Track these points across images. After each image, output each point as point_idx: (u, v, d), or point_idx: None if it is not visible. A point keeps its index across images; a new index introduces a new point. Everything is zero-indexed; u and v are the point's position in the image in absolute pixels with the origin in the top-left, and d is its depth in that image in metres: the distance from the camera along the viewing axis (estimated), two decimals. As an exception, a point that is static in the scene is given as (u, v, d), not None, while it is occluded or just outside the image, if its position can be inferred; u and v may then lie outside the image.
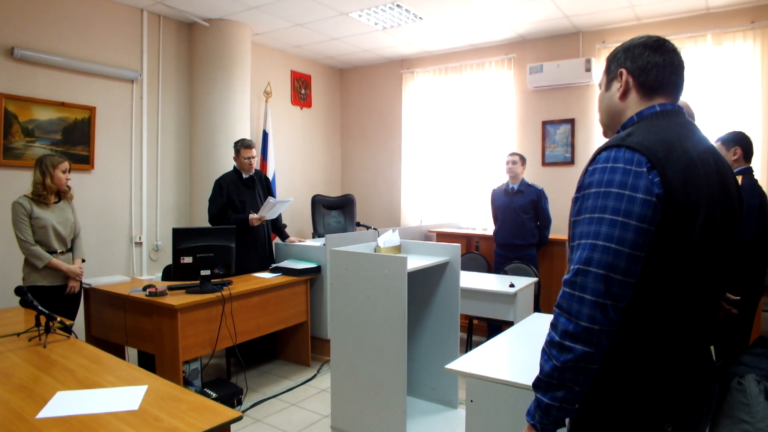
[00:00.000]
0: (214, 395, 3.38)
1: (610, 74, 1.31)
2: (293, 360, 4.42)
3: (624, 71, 1.26)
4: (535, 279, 4.15)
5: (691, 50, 4.81)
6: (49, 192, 3.38)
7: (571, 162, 5.55)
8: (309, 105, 6.81)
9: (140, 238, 4.97)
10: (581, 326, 1.06)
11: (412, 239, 3.61)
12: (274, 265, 4.33)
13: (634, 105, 1.26)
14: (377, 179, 7.03)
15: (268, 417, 3.43)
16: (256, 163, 4.41)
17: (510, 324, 3.39)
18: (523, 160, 4.76)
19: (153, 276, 4.88)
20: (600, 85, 1.36)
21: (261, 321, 3.82)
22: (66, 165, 3.45)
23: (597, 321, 1.05)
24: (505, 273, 4.43)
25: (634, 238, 1.06)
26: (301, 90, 6.65)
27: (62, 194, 3.51)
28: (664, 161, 1.08)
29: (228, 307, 3.49)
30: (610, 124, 1.33)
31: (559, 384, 1.09)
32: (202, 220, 4.87)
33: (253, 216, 4.17)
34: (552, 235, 4.75)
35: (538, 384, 1.14)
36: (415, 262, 2.80)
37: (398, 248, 3.11)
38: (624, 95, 1.27)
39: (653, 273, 1.09)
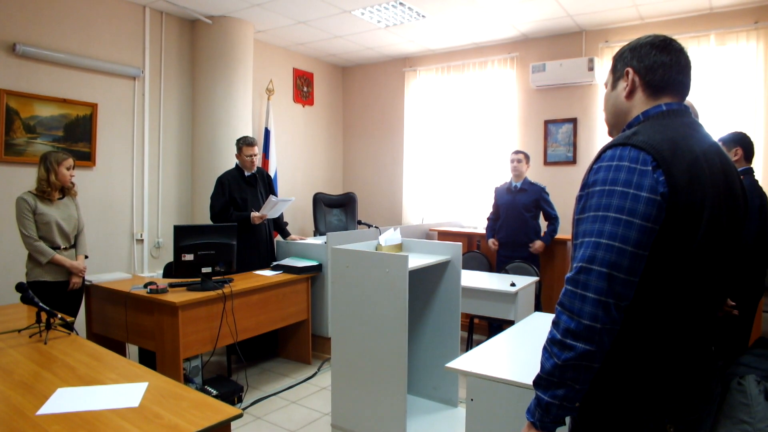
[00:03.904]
0: (214, 392, 3.39)
1: (617, 73, 1.31)
2: (294, 358, 4.42)
3: (630, 70, 1.26)
4: (536, 278, 4.14)
5: (695, 50, 4.79)
6: (53, 188, 3.39)
7: (573, 161, 5.55)
8: (311, 103, 6.81)
9: (141, 235, 4.97)
10: (583, 324, 1.05)
11: (413, 238, 3.61)
12: (275, 263, 4.33)
13: (640, 104, 1.25)
14: (379, 178, 7.03)
15: (269, 414, 3.43)
16: (258, 161, 4.41)
17: (511, 323, 3.38)
18: (527, 158, 4.76)
19: (154, 273, 4.88)
20: (606, 84, 1.36)
21: (262, 319, 3.82)
22: (70, 162, 3.46)
23: (599, 319, 1.05)
24: (506, 272, 4.43)
25: (638, 236, 1.05)
26: (303, 88, 6.65)
27: (66, 191, 3.51)
28: (669, 160, 1.08)
29: (229, 305, 3.49)
30: (615, 123, 1.33)
31: (559, 382, 1.09)
32: (204, 218, 4.87)
33: (254, 214, 4.17)
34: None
35: (538, 382, 1.13)
36: (417, 261, 2.80)
37: (399, 247, 3.11)
38: (630, 94, 1.26)
39: (657, 272, 1.09)
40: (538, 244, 4.61)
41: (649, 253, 1.07)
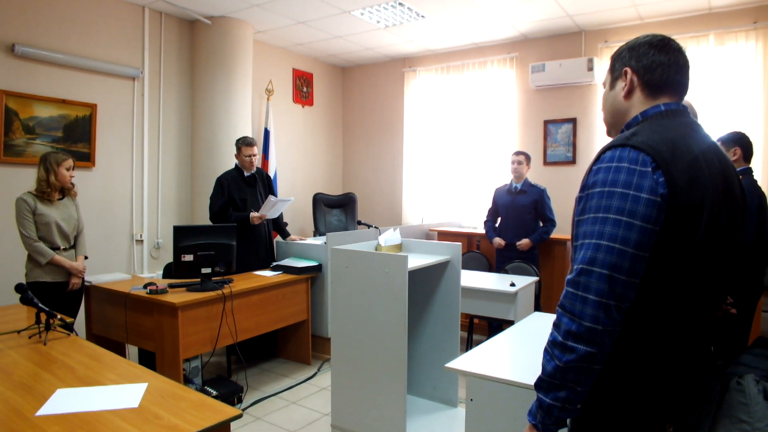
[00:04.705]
0: (214, 393, 3.39)
1: (615, 73, 1.30)
2: (294, 358, 4.42)
3: (629, 70, 1.26)
4: (536, 278, 4.14)
5: (694, 50, 4.80)
6: (53, 189, 3.39)
7: (572, 161, 5.55)
8: (311, 103, 6.81)
9: (141, 235, 4.97)
10: (584, 326, 1.05)
11: (413, 238, 3.61)
12: (275, 263, 4.33)
13: (638, 104, 1.25)
14: (379, 178, 7.03)
15: (269, 415, 3.43)
16: (257, 161, 4.41)
17: (510, 323, 3.38)
18: (528, 159, 4.75)
19: (154, 274, 4.88)
20: (604, 84, 1.35)
21: (262, 319, 3.82)
22: (70, 162, 3.46)
23: (600, 321, 1.05)
24: (506, 272, 4.43)
25: (639, 238, 1.05)
26: (302, 88, 6.65)
27: (66, 191, 3.51)
28: (668, 161, 1.07)
29: (229, 305, 3.49)
30: (614, 123, 1.33)
31: (561, 384, 1.09)
32: (204, 218, 4.87)
33: (254, 214, 4.17)
34: (552, 235, 4.73)
35: (540, 384, 1.13)
36: (416, 261, 2.80)
37: (399, 247, 3.11)
38: (628, 94, 1.26)
39: (657, 273, 1.09)
40: (524, 242, 4.58)
41: (649, 254, 1.07)
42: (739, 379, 1.71)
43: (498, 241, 4.74)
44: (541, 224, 4.68)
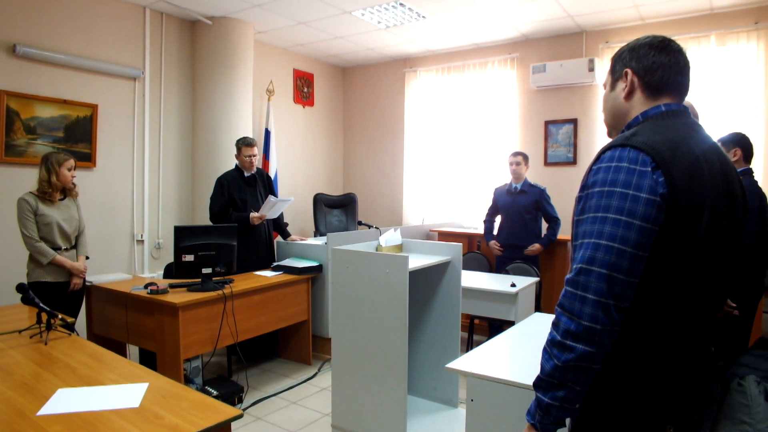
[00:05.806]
0: (215, 393, 3.39)
1: (615, 74, 1.31)
2: (294, 358, 4.43)
3: (629, 71, 1.26)
4: (537, 279, 4.14)
5: (695, 51, 4.80)
6: (54, 189, 3.39)
7: (573, 162, 5.55)
8: (311, 104, 6.81)
9: (142, 236, 4.98)
10: (583, 326, 1.05)
11: (413, 238, 3.61)
12: (275, 264, 4.33)
13: (639, 105, 1.25)
14: (379, 178, 7.03)
15: (269, 415, 3.43)
16: (258, 162, 4.41)
17: (511, 324, 3.38)
18: (526, 159, 4.74)
19: (154, 274, 4.89)
20: (605, 85, 1.35)
21: (262, 319, 3.82)
22: (71, 163, 3.47)
23: (599, 321, 1.05)
24: (507, 272, 4.43)
25: (638, 237, 1.05)
26: (303, 88, 6.66)
27: (67, 191, 3.52)
28: (669, 161, 1.07)
29: (229, 306, 3.49)
30: (614, 124, 1.33)
31: (559, 383, 1.09)
32: (204, 218, 4.87)
33: (254, 215, 4.17)
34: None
35: (538, 383, 1.13)
36: (417, 262, 2.80)
37: (400, 247, 3.11)
38: (629, 95, 1.26)
39: (657, 273, 1.09)
40: (535, 247, 4.58)
41: (649, 254, 1.07)
42: (741, 380, 1.71)
43: (493, 245, 4.76)
44: (546, 224, 4.68)
